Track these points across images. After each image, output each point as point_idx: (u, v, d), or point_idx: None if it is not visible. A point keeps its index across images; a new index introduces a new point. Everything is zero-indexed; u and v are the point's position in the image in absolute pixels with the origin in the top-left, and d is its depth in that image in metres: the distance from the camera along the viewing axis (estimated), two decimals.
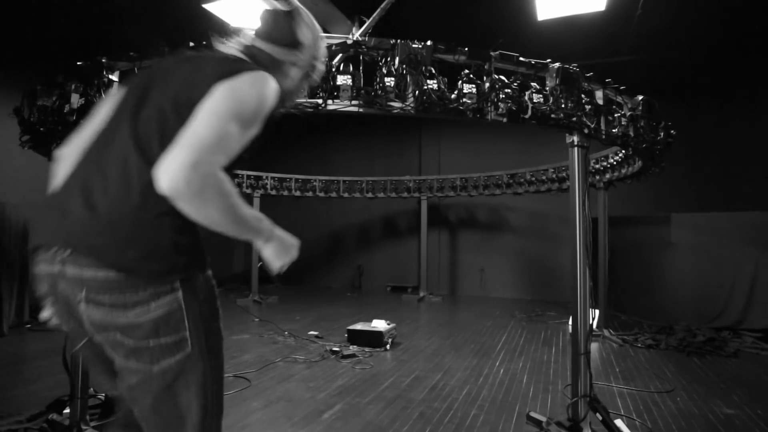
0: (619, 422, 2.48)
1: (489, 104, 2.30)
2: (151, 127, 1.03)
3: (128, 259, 0.98)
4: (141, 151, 1.01)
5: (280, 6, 1.25)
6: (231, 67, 1.07)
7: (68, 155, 1.16)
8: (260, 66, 1.15)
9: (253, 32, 1.27)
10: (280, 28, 1.24)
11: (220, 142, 0.98)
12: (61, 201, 1.05)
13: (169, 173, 0.92)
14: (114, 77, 2.37)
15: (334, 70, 2.24)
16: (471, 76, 2.30)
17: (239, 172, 7.16)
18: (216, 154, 0.96)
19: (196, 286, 1.09)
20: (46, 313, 1.14)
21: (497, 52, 2.34)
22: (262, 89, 1.08)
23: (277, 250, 1.19)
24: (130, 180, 1.00)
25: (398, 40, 2.27)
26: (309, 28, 1.28)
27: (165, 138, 0.98)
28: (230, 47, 1.25)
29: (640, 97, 2.72)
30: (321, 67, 1.37)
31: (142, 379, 1.02)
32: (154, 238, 1.02)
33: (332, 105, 2.25)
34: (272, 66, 1.22)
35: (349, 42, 2.29)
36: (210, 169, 0.95)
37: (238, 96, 1.03)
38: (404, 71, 2.24)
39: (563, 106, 2.35)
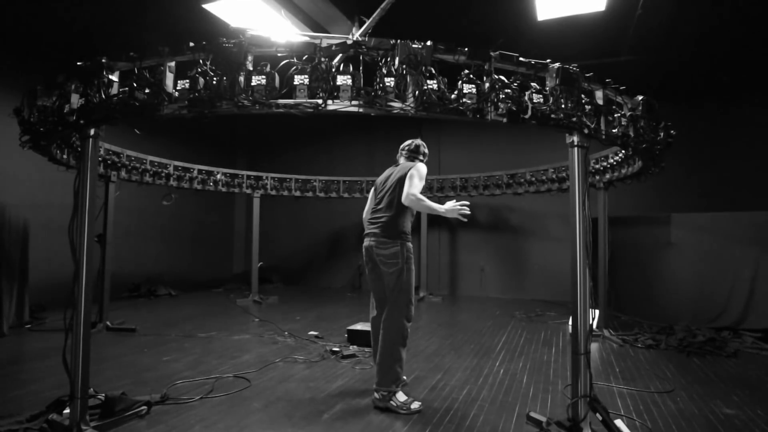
0: (619, 422, 2.48)
1: (489, 104, 2.29)
2: (397, 188, 3.00)
3: (388, 234, 2.97)
4: (395, 195, 2.99)
5: (417, 142, 3.29)
6: (414, 163, 3.08)
7: (368, 209, 3.23)
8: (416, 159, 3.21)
9: (408, 150, 3.26)
10: (418, 149, 3.26)
11: (417, 184, 2.88)
12: (372, 218, 3.12)
13: (405, 197, 2.86)
14: (114, 77, 2.37)
15: (334, 70, 2.24)
16: (471, 76, 2.30)
17: (240, 172, 7.23)
18: (416, 188, 2.86)
19: (406, 246, 2.97)
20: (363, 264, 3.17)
21: (497, 52, 2.34)
22: (423, 167, 3.02)
23: (450, 213, 2.86)
24: (391, 207, 3.01)
25: (398, 40, 2.27)
26: (425, 148, 3.30)
27: (401, 189, 2.94)
28: (404, 157, 3.25)
29: (640, 97, 2.71)
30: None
31: (388, 274, 2.94)
32: (395, 228, 2.98)
33: (332, 105, 2.25)
34: (421, 158, 3.23)
35: (349, 42, 2.29)
36: (416, 193, 2.84)
37: (418, 169, 2.97)
38: (404, 71, 2.24)
39: (563, 106, 2.34)
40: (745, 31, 5.97)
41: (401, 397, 2.87)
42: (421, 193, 2.88)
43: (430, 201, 2.87)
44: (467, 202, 2.85)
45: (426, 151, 3.27)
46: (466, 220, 2.92)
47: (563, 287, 6.92)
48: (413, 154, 3.21)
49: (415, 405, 2.84)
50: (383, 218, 3.01)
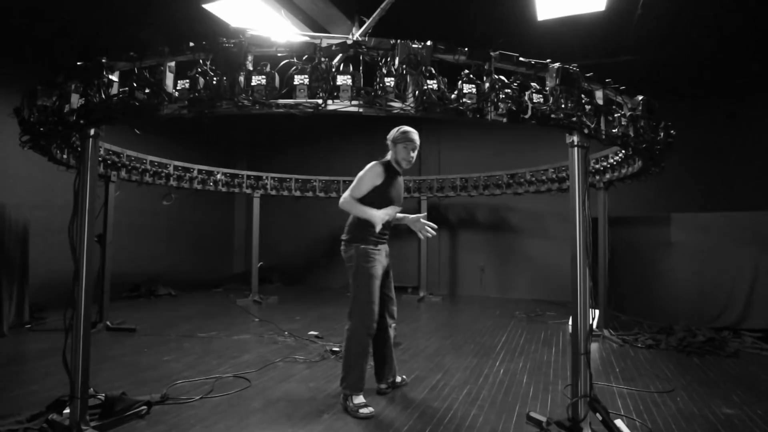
0: (619, 422, 2.48)
1: (489, 104, 2.29)
2: None
3: (346, 237, 2.96)
4: None
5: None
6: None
7: None
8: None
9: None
10: (390, 137, 3.05)
11: (352, 187, 2.90)
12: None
13: (341, 200, 2.92)
14: (114, 77, 2.36)
15: (334, 70, 2.24)
16: (471, 76, 2.29)
17: (240, 172, 7.22)
18: (350, 190, 2.90)
19: (359, 249, 2.88)
20: None
21: (497, 52, 2.34)
22: (369, 168, 2.93)
23: (379, 219, 2.80)
24: None
25: (398, 40, 2.27)
26: (398, 132, 3.02)
27: None
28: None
29: (640, 97, 2.71)
30: (406, 149, 3.00)
31: (349, 273, 2.91)
32: (351, 230, 2.96)
33: (332, 105, 2.25)
34: (391, 149, 3.06)
35: (349, 42, 2.28)
36: (345, 196, 2.89)
37: (364, 170, 2.93)
38: (404, 71, 2.23)
39: (563, 106, 2.34)
40: (744, 31, 5.97)
41: (357, 399, 2.79)
42: (386, 199, 2.91)
43: (362, 206, 2.85)
44: (433, 226, 3.00)
45: (395, 134, 3.01)
46: (421, 237, 3.10)
47: (563, 287, 6.94)
48: (390, 144, 3.05)
49: (364, 411, 2.72)
50: (347, 220, 3.03)
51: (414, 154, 3.02)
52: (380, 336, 3.03)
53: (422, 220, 3.05)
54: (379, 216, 2.78)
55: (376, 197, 2.89)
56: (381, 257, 2.95)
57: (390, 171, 2.97)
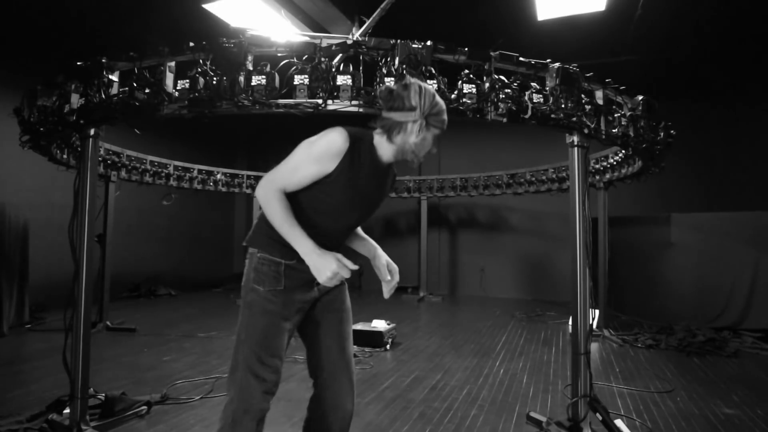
0: (619, 422, 2.48)
1: (489, 104, 2.29)
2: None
3: (249, 235, 1.67)
4: None
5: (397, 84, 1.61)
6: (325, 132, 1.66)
7: None
8: (386, 129, 1.58)
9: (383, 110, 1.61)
10: (396, 99, 1.56)
11: (280, 169, 1.56)
12: None
13: (258, 187, 1.59)
14: (114, 77, 2.37)
15: (334, 70, 2.24)
16: (471, 76, 2.30)
17: (240, 172, 7.20)
18: (277, 174, 1.55)
19: (257, 260, 1.61)
20: None
21: (497, 52, 2.34)
22: (318, 140, 1.61)
23: (311, 258, 1.53)
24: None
25: (398, 40, 2.27)
26: (418, 95, 1.55)
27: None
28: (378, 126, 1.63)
29: (640, 97, 2.71)
30: (439, 121, 1.64)
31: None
32: (257, 232, 1.65)
33: (332, 105, 2.25)
34: (395, 127, 1.57)
35: (349, 42, 2.28)
36: (267, 184, 1.53)
37: (307, 144, 1.61)
38: (404, 71, 2.24)
39: (563, 106, 2.34)
40: (745, 31, 5.97)
41: None
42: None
43: (288, 214, 1.49)
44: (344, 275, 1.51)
45: (429, 106, 1.58)
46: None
47: (563, 287, 6.94)
48: (388, 108, 1.58)
49: None
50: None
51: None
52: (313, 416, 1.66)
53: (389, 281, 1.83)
54: (312, 254, 1.48)
55: (321, 196, 1.56)
56: (295, 284, 1.58)
57: (364, 157, 1.60)
